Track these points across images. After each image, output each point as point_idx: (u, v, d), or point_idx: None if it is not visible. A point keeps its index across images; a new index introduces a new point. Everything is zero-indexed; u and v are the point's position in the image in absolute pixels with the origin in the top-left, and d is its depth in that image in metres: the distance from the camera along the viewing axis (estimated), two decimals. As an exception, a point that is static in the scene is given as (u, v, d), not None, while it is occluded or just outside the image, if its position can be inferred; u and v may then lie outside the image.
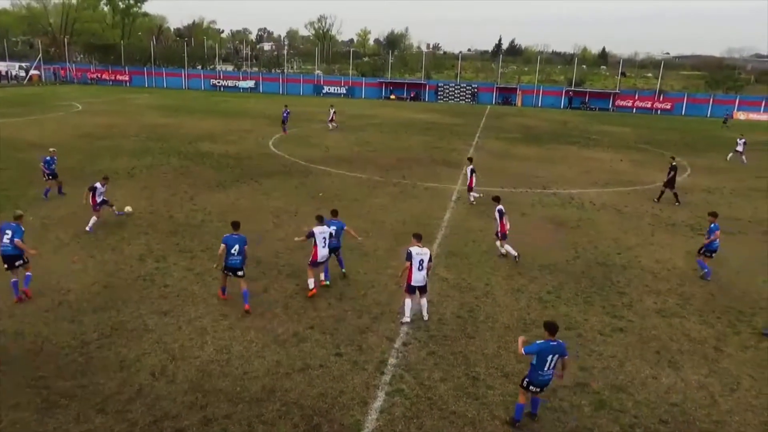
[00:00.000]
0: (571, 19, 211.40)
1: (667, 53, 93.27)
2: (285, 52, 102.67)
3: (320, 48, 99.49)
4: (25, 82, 73.45)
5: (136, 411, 7.92)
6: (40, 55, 78.30)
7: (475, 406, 8.38)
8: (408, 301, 10.87)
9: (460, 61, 79.90)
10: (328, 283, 12.43)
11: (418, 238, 11.00)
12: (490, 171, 25.74)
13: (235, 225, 11.55)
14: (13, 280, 11.05)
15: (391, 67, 79.19)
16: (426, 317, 10.98)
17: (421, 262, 10.65)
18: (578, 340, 10.42)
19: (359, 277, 12.95)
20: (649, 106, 65.82)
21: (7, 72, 74.71)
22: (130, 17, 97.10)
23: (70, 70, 78.95)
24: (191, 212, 17.62)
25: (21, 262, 11.09)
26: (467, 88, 70.91)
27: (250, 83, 74.89)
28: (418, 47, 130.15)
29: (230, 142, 30.94)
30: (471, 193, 20.14)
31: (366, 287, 12.44)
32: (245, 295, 11.10)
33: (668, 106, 65.15)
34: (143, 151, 27.39)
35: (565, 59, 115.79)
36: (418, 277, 10.68)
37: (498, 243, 14.74)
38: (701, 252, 13.95)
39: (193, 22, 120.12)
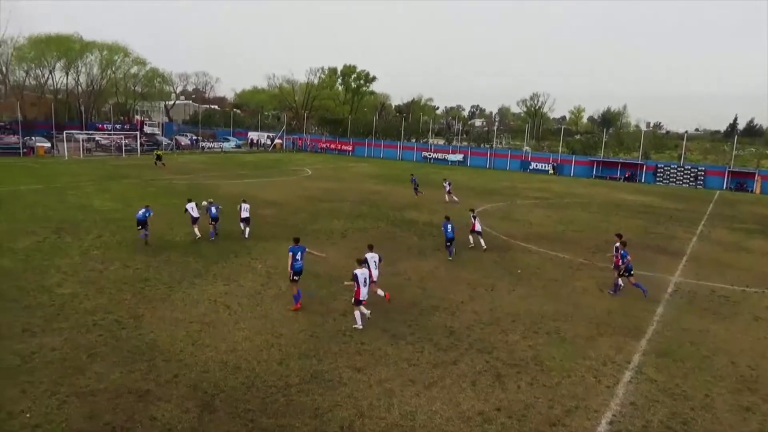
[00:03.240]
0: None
1: None
2: (495, 127, 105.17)
3: (530, 125, 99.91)
4: (270, 149, 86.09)
5: (323, 460, 8.31)
6: (284, 127, 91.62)
7: None
8: (357, 313, 13.62)
9: (685, 141, 73.34)
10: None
11: (360, 262, 14.21)
12: (718, 264, 22.68)
13: (296, 240, 15.40)
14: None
15: (605, 145, 75.86)
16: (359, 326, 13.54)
17: (365, 279, 13.58)
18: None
19: (554, 364, 12.17)
20: None
21: (257, 140, 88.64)
22: (359, 95, 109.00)
23: (305, 140, 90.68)
24: (392, 276, 18.49)
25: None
26: (692, 170, 64.50)
27: (459, 157, 77.68)
28: (636, 125, 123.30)
29: (434, 212, 32.18)
30: (470, 236, 23.28)
31: (561, 375, 11.63)
32: (298, 292, 14.84)
33: None
34: (357, 215, 29.85)
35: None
36: (363, 293, 13.55)
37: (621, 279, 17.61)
38: (622, 273, 17.35)
39: (413, 100, 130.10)
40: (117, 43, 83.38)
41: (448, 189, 37.52)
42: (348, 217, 29.07)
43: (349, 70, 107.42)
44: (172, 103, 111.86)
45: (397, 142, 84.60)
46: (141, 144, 66.00)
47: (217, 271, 18.01)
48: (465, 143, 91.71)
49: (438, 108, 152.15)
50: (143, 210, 21.26)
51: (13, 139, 59.60)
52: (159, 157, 51.60)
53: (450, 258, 21.30)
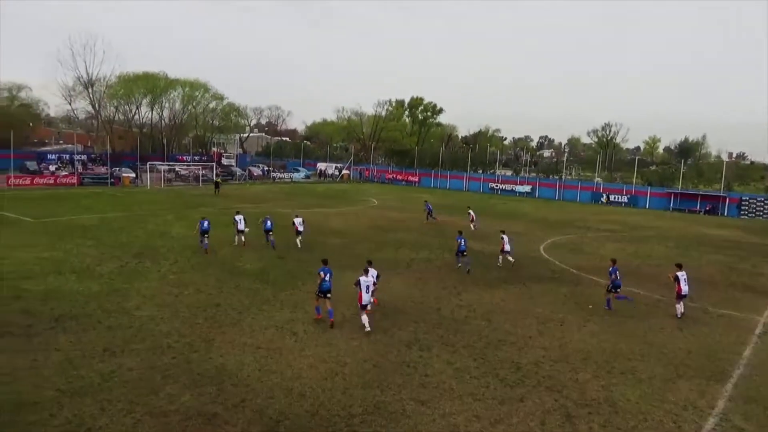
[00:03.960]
0: None
1: None
2: (564, 158, 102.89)
3: (602, 155, 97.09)
4: (338, 179, 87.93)
5: (385, 494, 8.18)
6: (352, 157, 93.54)
7: None
8: (365, 317, 15.13)
9: (772, 172, 68.99)
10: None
11: (366, 271, 15.66)
12: (812, 305, 20.93)
13: (325, 261, 16.38)
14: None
15: (683, 176, 72.49)
16: (368, 329, 14.99)
17: (368, 287, 15.20)
18: None
19: (629, 406, 11.53)
20: None
21: (326, 171, 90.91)
22: (426, 127, 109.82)
23: (372, 171, 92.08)
24: (457, 307, 18.25)
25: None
26: (781, 203, 60.40)
27: (527, 188, 76.41)
28: (718, 156, 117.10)
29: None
30: (500, 257, 25.36)
31: (637, 419, 10.98)
32: (331, 312, 15.63)
33: None
34: (422, 245, 29.78)
35: None
36: (366, 298, 15.13)
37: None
38: (609, 290, 18.75)
39: (479, 131, 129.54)
40: (198, 79, 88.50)
41: (472, 217, 38.39)
42: (413, 247, 29.04)
43: (416, 102, 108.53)
44: (246, 135, 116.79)
45: (464, 173, 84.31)
46: (217, 175, 69.12)
47: (284, 298, 18.40)
48: (533, 174, 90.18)
49: (506, 139, 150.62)
50: (207, 222, 24.78)
51: (102, 169, 64.09)
52: (217, 185, 54.81)
53: (458, 266, 24.10)
